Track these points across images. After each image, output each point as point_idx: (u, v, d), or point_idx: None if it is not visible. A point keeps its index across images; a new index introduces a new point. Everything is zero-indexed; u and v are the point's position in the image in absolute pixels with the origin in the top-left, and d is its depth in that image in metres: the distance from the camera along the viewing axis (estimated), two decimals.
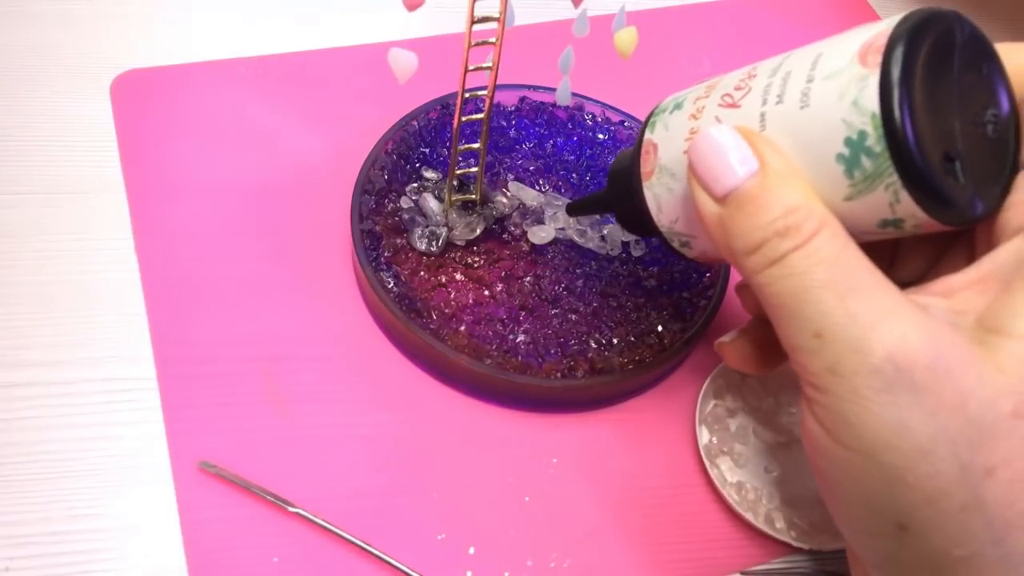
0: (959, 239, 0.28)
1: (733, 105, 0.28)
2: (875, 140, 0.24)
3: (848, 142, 0.24)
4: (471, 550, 0.35)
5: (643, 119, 0.46)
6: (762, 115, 0.26)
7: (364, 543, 0.34)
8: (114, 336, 0.39)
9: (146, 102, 0.46)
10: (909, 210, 0.24)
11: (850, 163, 0.24)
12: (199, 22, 0.51)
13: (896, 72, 0.23)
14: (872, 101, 0.23)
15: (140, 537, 0.34)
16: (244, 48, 0.49)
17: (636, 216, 0.33)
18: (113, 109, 0.46)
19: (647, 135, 0.31)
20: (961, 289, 0.26)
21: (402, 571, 0.33)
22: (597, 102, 0.46)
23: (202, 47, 0.49)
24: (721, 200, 0.26)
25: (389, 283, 0.39)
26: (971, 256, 0.27)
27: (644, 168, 0.31)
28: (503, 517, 0.36)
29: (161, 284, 0.40)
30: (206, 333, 0.39)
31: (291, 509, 0.34)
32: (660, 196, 0.31)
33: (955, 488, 0.23)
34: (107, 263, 0.41)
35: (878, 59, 0.24)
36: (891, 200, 0.24)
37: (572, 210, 0.40)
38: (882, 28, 0.24)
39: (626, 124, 0.46)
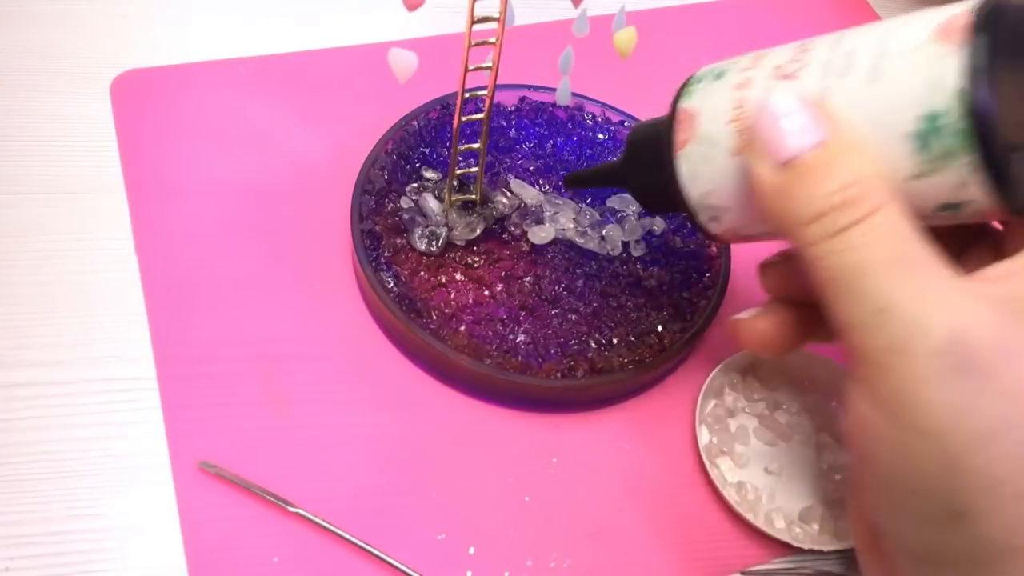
0: (984, 236, 0.29)
1: (790, 76, 0.27)
2: (956, 119, 0.23)
3: (923, 119, 0.24)
4: (471, 550, 0.35)
5: (637, 116, 0.46)
6: (824, 88, 0.26)
7: (364, 543, 0.34)
8: (114, 336, 0.39)
9: (146, 102, 0.46)
10: (976, 194, 0.24)
11: (922, 141, 0.24)
12: (199, 22, 0.51)
13: (985, 53, 0.23)
14: (956, 79, 0.23)
15: (140, 537, 0.34)
16: (244, 48, 0.49)
17: (656, 188, 0.32)
18: (113, 109, 0.46)
19: (683, 104, 0.31)
20: (1015, 275, 0.25)
21: (402, 571, 0.33)
22: (597, 102, 0.46)
23: (202, 47, 0.49)
24: (783, 167, 0.25)
25: (389, 283, 0.39)
26: (997, 250, 0.27)
27: (678, 137, 0.31)
28: (503, 517, 0.36)
29: (161, 284, 0.40)
30: (206, 333, 0.39)
31: (291, 509, 0.34)
32: (696, 166, 0.30)
33: (1016, 476, 0.23)
34: (107, 263, 0.41)
35: (961, 39, 0.23)
36: (959, 182, 0.24)
37: (571, 182, 0.39)
38: (958, 10, 0.24)
39: (626, 124, 0.46)
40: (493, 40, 0.35)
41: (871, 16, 0.59)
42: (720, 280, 0.41)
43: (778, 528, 0.36)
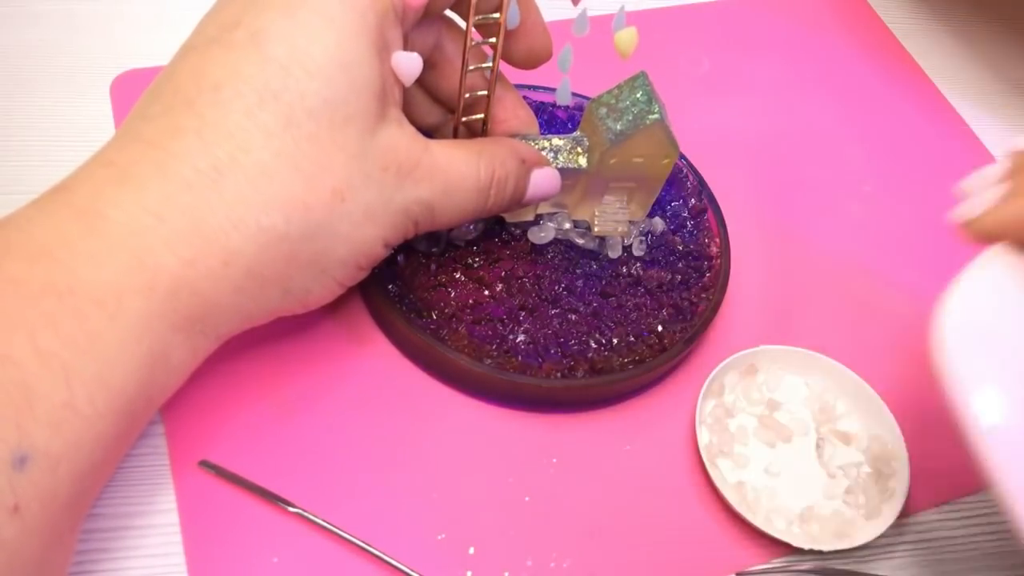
0: None
1: None
2: None
3: None
4: (471, 550, 0.35)
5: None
6: None
7: (364, 543, 0.34)
8: None
9: None
10: None
11: None
12: None
13: None
14: None
15: (140, 537, 0.34)
16: None
17: None
18: (113, 109, 0.46)
19: None
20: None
21: (402, 571, 0.33)
22: None
23: None
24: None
25: (389, 283, 0.39)
26: None
27: None
28: (503, 517, 0.36)
29: None
30: None
31: (291, 509, 0.34)
32: None
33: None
34: None
35: None
36: None
37: None
38: None
39: None
40: (493, 40, 0.35)
41: (871, 16, 0.59)
42: (720, 280, 0.41)
43: (778, 528, 0.36)
